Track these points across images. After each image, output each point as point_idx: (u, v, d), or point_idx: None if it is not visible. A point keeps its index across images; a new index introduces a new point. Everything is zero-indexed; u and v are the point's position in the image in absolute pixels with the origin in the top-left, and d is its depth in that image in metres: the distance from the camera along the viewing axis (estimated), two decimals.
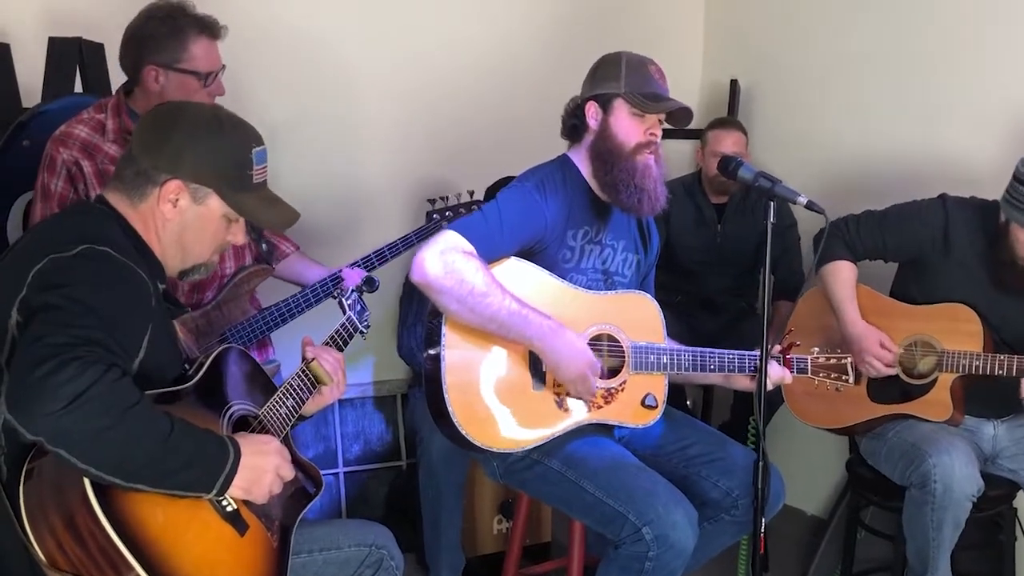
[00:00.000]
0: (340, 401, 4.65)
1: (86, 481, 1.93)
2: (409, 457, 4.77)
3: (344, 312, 2.94)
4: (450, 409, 2.80)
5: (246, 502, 2.20)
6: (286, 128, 4.32)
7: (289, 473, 2.26)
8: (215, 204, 2.31)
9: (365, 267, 3.49)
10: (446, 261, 2.76)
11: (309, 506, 2.51)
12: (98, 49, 3.46)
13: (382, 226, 4.22)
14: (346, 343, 2.88)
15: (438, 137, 4.71)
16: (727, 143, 4.57)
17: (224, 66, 3.20)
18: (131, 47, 3.11)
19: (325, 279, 3.43)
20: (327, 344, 2.80)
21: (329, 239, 4.19)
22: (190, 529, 2.08)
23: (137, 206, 2.27)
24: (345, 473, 4.70)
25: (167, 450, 1.97)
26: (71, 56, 3.47)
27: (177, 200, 2.27)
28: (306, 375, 2.61)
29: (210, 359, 2.37)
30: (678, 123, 3.12)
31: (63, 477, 1.95)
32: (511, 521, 3.81)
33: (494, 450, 2.87)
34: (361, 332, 3.00)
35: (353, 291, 3.03)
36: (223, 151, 2.30)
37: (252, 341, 3.34)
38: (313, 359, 2.62)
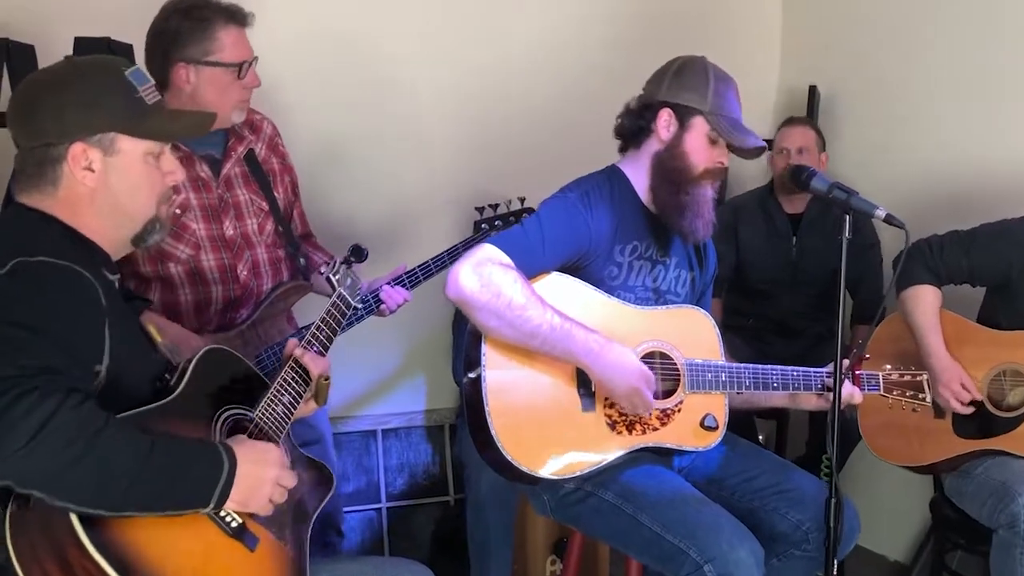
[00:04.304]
0: (384, 431, 4.70)
1: (72, 515, 1.91)
2: (457, 491, 4.77)
3: (334, 289, 2.84)
4: (494, 434, 2.77)
5: (252, 514, 2.19)
6: (334, 137, 4.41)
7: (291, 481, 2.25)
8: (128, 145, 2.24)
9: (410, 283, 3.48)
10: (481, 274, 2.74)
11: (321, 506, 2.51)
12: (127, 50, 3.47)
13: (431, 237, 4.22)
14: (339, 324, 2.79)
15: (491, 145, 4.74)
16: (793, 137, 4.63)
17: (256, 57, 3.23)
18: (156, 47, 3.16)
19: (366, 296, 3.40)
20: (319, 328, 2.70)
21: (375, 252, 4.22)
22: (195, 554, 2.08)
23: (56, 194, 2.22)
24: (388, 508, 4.72)
25: (151, 470, 1.95)
26: None
27: (90, 162, 2.20)
28: (296, 369, 2.54)
29: (191, 364, 2.32)
30: (748, 157, 3.12)
31: (48, 514, 1.92)
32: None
33: (543, 477, 2.83)
34: (355, 308, 2.92)
35: (341, 264, 2.93)
36: (100, 87, 2.23)
37: None
38: (328, 379, 2.58)
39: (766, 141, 4.06)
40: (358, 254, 3.10)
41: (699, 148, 3.01)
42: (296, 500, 2.38)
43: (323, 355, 2.65)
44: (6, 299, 2.01)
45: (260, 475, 2.16)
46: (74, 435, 1.87)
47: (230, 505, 2.11)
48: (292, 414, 2.49)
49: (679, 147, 3.01)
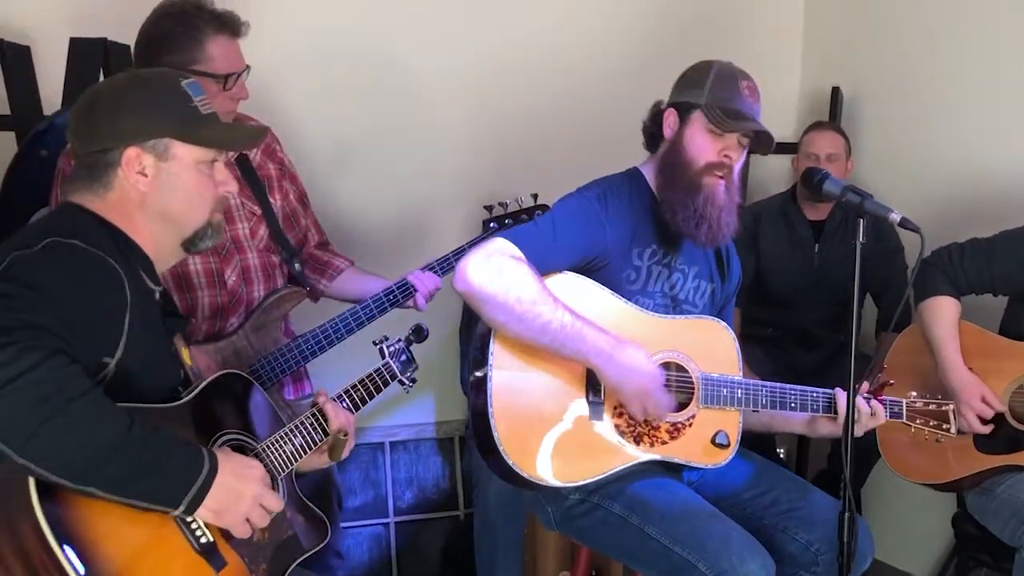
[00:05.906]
0: (392, 443, 4.68)
1: (32, 488, 1.91)
2: (467, 506, 4.75)
3: (383, 357, 2.90)
4: (496, 436, 2.74)
5: (227, 536, 2.18)
6: (340, 139, 4.42)
7: (274, 504, 2.23)
8: (181, 152, 2.29)
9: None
10: (492, 266, 2.72)
11: (304, 557, 2.48)
12: (125, 51, 3.47)
13: (439, 239, 4.20)
14: (378, 391, 2.84)
15: (500, 146, 4.71)
16: (822, 143, 4.58)
17: (248, 67, 3.21)
18: (144, 48, 3.14)
19: (391, 288, 3.42)
20: (355, 387, 2.78)
21: (382, 254, 4.20)
22: (151, 555, 2.06)
23: (107, 197, 2.27)
24: (396, 523, 4.69)
25: (125, 450, 1.95)
26: (95, 59, 3.47)
27: (143, 167, 2.25)
28: (316, 416, 2.56)
29: (206, 382, 2.34)
30: (759, 149, 3.07)
31: (7, 481, 1.93)
32: None
33: (544, 484, 2.80)
34: (401, 382, 2.96)
35: (400, 340, 2.99)
36: (156, 96, 2.29)
37: (286, 373, 3.31)
38: (346, 436, 2.60)
39: (789, 144, 4.05)
40: (418, 334, 3.19)
41: (699, 142, 2.98)
42: (283, 539, 2.38)
43: (352, 411, 2.69)
44: (29, 267, 2.06)
45: (239, 489, 2.15)
46: (49, 394, 1.90)
47: (203, 513, 2.10)
48: (300, 457, 2.49)
49: (680, 142, 3.00)
